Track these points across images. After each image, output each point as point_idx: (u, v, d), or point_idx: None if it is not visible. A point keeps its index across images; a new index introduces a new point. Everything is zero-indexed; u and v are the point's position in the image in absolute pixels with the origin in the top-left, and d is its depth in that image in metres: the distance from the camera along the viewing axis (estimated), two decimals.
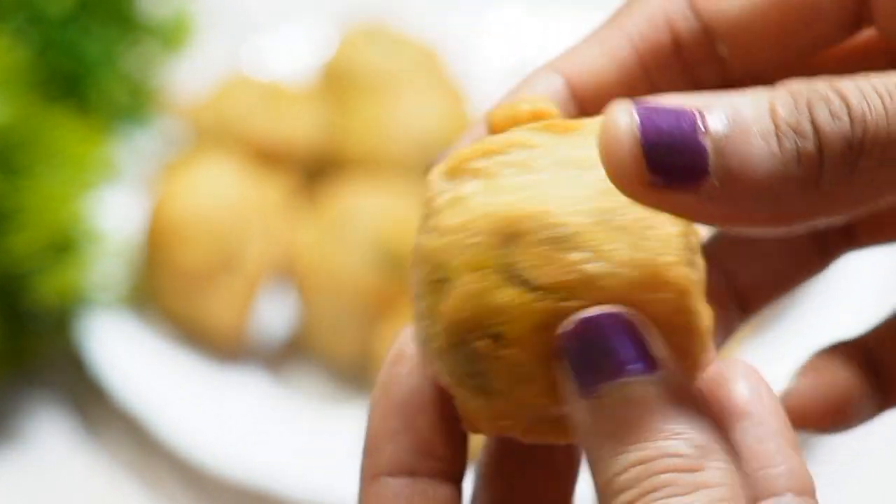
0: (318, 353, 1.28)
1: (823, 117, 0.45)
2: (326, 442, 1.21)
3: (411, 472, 0.51)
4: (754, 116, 0.46)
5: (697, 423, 0.46)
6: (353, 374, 1.26)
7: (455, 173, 0.52)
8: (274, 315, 1.30)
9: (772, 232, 0.47)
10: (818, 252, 0.60)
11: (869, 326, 0.59)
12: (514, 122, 0.52)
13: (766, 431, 0.49)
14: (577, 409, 0.47)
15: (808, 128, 0.45)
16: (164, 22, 1.43)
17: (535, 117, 0.52)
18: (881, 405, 0.59)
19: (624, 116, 0.45)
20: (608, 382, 0.46)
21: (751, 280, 0.58)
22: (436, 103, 1.36)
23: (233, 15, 1.57)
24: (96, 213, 1.28)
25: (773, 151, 0.45)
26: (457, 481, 0.52)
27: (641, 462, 0.45)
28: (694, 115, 0.46)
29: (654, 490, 0.45)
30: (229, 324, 1.26)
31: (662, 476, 0.45)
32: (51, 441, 1.24)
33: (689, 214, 0.47)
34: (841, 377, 0.59)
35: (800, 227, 0.47)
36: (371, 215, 1.25)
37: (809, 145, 0.45)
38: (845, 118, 0.45)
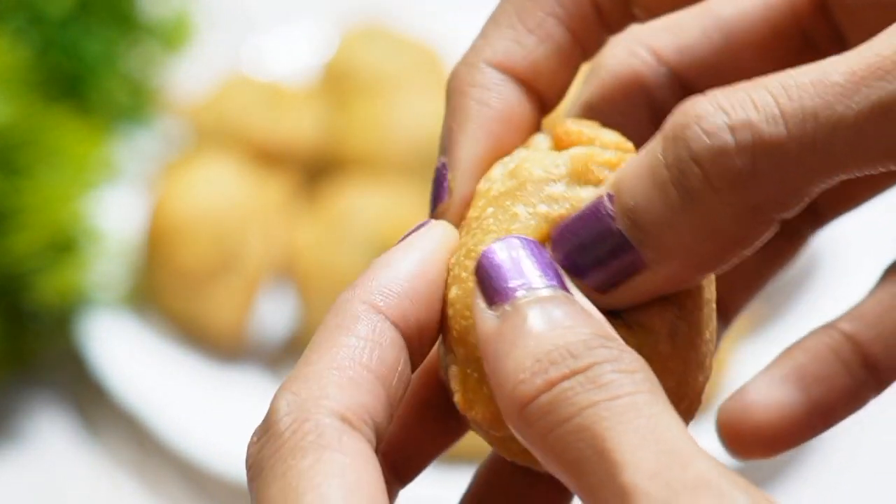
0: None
1: (697, 143, 0.45)
2: None
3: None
4: (647, 172, 0.46)
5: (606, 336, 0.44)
6: None
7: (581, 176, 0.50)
8: (274, 315, 1.30)
9: (739, 256, 0.46)
10: (786, 239, 0.58)
11: (854, 315, 0.57)
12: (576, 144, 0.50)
13: None
14: (483, 320, 0.46)
15: (687, 161, 0.45)
16: (164, 22, 1.43)
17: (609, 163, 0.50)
18: (872, 394, 0.58)
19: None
20: (512, 298, 0.45)
21: (726, 287, 0.55)
22: (436, 103, 1.36)
23: (233, 15, 1.58)
24: (97, 212, 1.28)
25: (671, 197, 0.45)
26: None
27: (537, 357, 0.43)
28: (601, 202, 0.46)
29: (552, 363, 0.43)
30: (229, 323, 1.26)
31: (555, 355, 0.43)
32: (51, 440, 1.24)
33: (657, 288, 0.46)
34: (831, 383, 0.58)
35: (757, 240, 0.46)
36: (371, 215, 1.25)
37: (695, 181, 0.45)
38: (718, 137, 0.44)
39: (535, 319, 0.44)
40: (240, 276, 1.25)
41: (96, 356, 1.23)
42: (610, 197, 0.46)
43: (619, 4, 0.53)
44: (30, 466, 1.22)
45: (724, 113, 0.44)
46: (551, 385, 0.42)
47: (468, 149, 0.51)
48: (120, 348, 1.24)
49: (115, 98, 1.37)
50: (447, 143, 0.52)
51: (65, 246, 1.23)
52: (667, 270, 0.46)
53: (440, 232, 0.51)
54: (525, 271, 0.46)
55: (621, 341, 0.44)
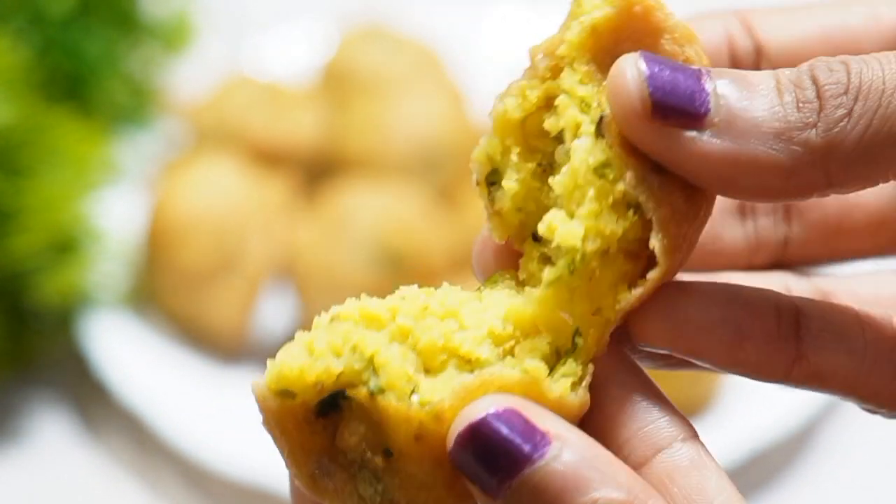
0: None
1: (821, 71, 0.50)
2: None
3: None
4: (759, 77, 0.50)
5: (612, 478, 0.48)
6: None
7: None
8: (274, 314, 1.31)
9: (770, 195, 0.49)
10: None
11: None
12: None
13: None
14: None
15: (806, 80, 0.50)
16: (164, 23, 1.43)
17: None
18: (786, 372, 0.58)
19: (631, 61, 0.50)
20: (513, 479, 0.48)
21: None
22: (436, 103, 1.36)
23: (233, 16, 1.58)
24: (98, 213, 1.28)
25: (772, 98, 0.49)
26: None
27: None
28: (701, 69, 0.50)
29: None
30: (230, 323, 1.26)
31: None
32: (52, 439, 1.24)
33: (691, 158, 0.49)
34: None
35: (798, 190, 0.49)
36: (371, 215, 1.26)
37: (808, 93, 0.49)
38: (841, 71, 0.49)
39: None
40: (240, 275, 1.26)
41: (97, 356, 1.23)
42: (709, 73, 0.50)
43: (751, 63, 0.58)
44: (30, 464, 1.22)
45: (845, 71, 0.49)
46: None
47: None
48: (120, 348, 1.24)
49: (115, 98, 1.37)
50: None
51: (66, 246, 1.23)
52: (716, 148, 0.49)
53: None
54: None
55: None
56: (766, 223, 0.59)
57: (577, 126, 0.52)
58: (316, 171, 1.37)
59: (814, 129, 0.49)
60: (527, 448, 0.48)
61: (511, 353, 0.51)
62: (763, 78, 0.50)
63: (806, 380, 0.53)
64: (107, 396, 1.24)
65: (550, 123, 0.53)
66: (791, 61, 0.55)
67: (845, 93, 0.49)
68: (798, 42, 0.57)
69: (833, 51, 0.55)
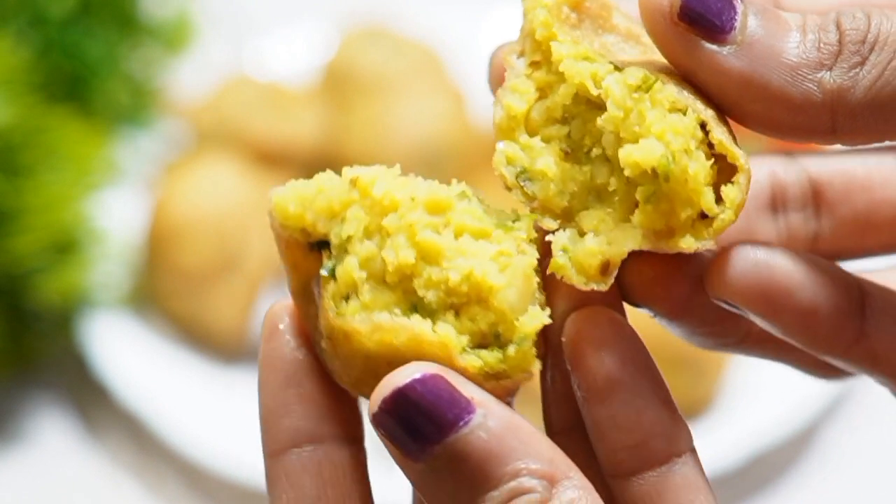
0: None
1: (846, 18, 0.51)
2: None
3: (312, 440, 0.53)
4: (788, 14, 0.51)
5: (535, 449, 0.48)
6: None
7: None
8: None
9: (774, 130, 0.51)
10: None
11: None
12: None
13: (645, 401, 0.51)
14: (413, 473, 0.49)
15: (832, 26, 0.51)
16: (165, 24, 1.43)
17: None
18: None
19: None
20: (436, 445, 0.48)
21: None
22: (436, 104, 1.36)
23: (234, 16, 1.58)
24: (98, 213, 1.28)
25: (796, 34, 0.51)
26: (358, 441, 0.54)
27: None
28: None
29: None
30: (231, 324, 1.26)
31: None
32: (52, 440, 1.24)
33: (706, 73, 0.50)
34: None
35: (803, 131, 0.50)
36: None
37: (831, 37, 0.51)
38: (864, 20, 0.51)
39: None
40: (241, 276, 1.26)
41: (98, 356, 1.23)
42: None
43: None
44: (30, 465, 1.22)
45: (867, 21, 0.51)
46: None
47: None
48: (121, 348, 1.24)
49: (116, 99, 1.37)
50: None
51: (67, 246, 1.23)
52: (733, 65, 0.50)
53: None
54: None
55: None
56: (797, 219, 0.60)
57: (595, 74, 0.53)
58: (316, 172, 1.36)
59: (829, 72, 0.50)
60: (451, 415, 0.48)
61: (456, 311, 0.52)
62: (791, 16, 0.51)
63: (862, 359, 0.54)
64: (107, 397, 1.24)
65: (565, 90, 0.53)
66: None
67: (863, 41, 0.50)
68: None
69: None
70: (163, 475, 1.21)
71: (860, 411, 1.23)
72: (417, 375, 0.49)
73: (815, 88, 0.50)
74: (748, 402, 1.20)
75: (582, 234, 0.53)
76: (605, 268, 0.52)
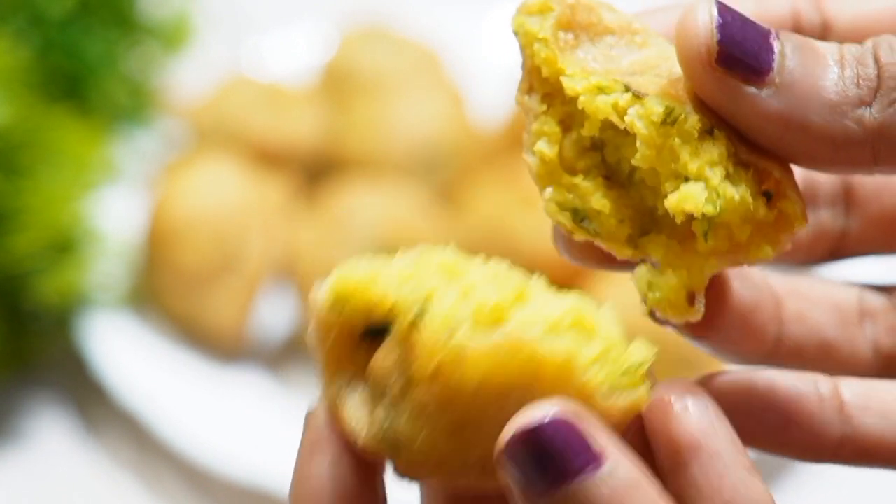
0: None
1: (884, 51, 0.50)
2: None
3: None
4: (825, 46, 0.51)
5: None
6: None
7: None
8: (274, 315, 1.30)
9: (817, 165, 0.50)
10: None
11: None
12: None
13: (724, 464, 0.50)
14: None
15: (869, 58, 0.50)
16: (164, 23, 1.43)
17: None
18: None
19: (704, 6, 0.50)
20: (557, 489, 0.48)
21: None
22: (435, 104, 1.36)
23: (233, 16, 1.58)
24: (97, 213, 1.28)
25: (834, 70, 0.50)
26: None
27: None
28: (772, 29, 0.51)
29: None
30: (230, 323, 1.26)
31: None
32: (51, 439, 1.24)
33: (745, 116, 0.50)
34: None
35: (845, 164, 0.50)
36: (370, 215, 1.26)
37: (869, 71, 0.50)
38: None
39: None
40: (240, 276, 1.26)
41: (96, 356, 1.23)
42: (777, 33, 0.51)
43: (816, 36, 0.57)
44: (29, 465, 1.22)
45: None
46: None
47: None
48: (120, 348, 1.24)
49: (115, 99, 1.37)
50: None
51: (65, 246, 1.23)
52: (773, 107, 0.49)
53: None
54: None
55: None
56: (826, 215, 0.60)
57: (616, 105, 0.52)
58: (316, 171, 1.37)
59: (869, 108, 0.49)
60: (577, 463, 0.48)
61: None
62: (828, 49, 0.51)
63: (855, 457, 0.53)
64: (106, 396, 1.24)
65: (590, 124, 0.52)
66: (858, 40, 0.56)
67: None
68: (867, 19, 0.57)
69: None
70: (162, 475, 1.21)
71: None
72: (547, 419, 0.48)
73: (856, 126, 0.49)
74: None
75: (652, 263, 0.52)
76: (691, 298, 0.52)
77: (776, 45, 0.50)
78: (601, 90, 0.52)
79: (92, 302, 1.26)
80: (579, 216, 0.53)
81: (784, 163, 0.51)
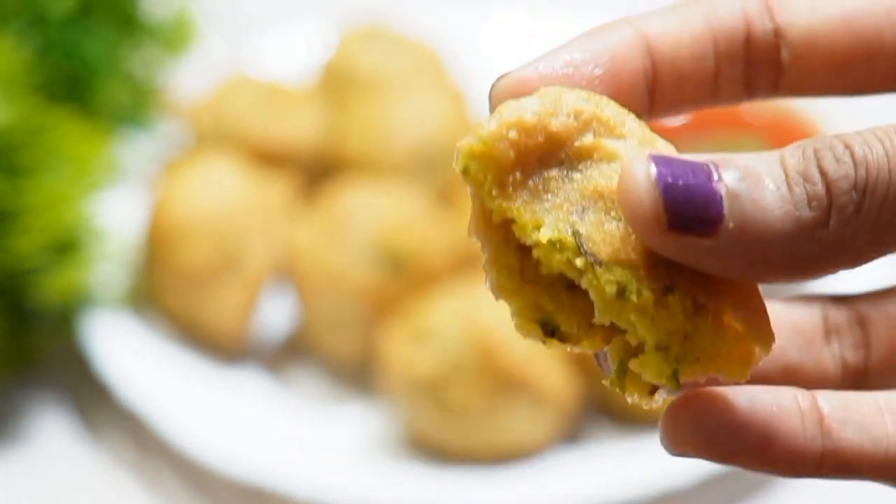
0: (318, 353, 1.28)
1: (829, 162, 0.49)
2: (326, 441, 1.22)
3: None
4: (766, 167, 0.49)
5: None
6: (353, 373, 1.27)
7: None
8: (274, 315, 1.31)
9: (786, 281, 0.50)
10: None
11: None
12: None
13: None
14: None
15: (815, 172, 0.49)
16: (165, 23, 1.43)
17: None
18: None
19: (642, 166, 0.49)
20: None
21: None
22: (436, 104, 1.36)
23: (234, 16, 1.58)
24: (99, 213, 1.28)
25: (783, 195, 0.49)
26: None
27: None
28: (709, 167, 0.49)
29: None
30: (231, 323, 1.26)
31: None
32: (53, 439, 1.24)
33: (708, 263, 0.49)
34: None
35: (811, 276, 0.49)
36: (371, 215, 1.26)
37: (818, 189, 0.49)
38: (848, 161, 0.49)
39: None
40: (241, 276, 1.26)
41: (98, 356, 1.24)
42: (716, 168, 0.50)
43: (768, 45, 0.56)
44: (31, 464, 1.22)
45: (852, 161, 0.49)
46: None
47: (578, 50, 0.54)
48: (121, 348, 1.24)
49: (116, 99, 1.37)
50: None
51: (67, 246, 1.23)
52: (734, 251, 0.49)
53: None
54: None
55: None
56: (847, 349, 0.60)
57: (571, 265, 0.50)
58: (316, 172, 1.37)
59: (826, 228, 0.49)
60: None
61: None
62: (770, 167, 0.49)
63: (837, 471, 0.53)
64: (107, 396, 1.24)
65: (547, 267, 0.51)
66: (811, 48, 0.56)
67: (854, 188, 0.49)
68: (819, 27, 0.57)
69: (854, 39, 0.56)
70: (162, 474, 1.21)
71: None
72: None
73: (817, 248, 0.49)
74: None
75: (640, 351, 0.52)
76: (653, 390, 0.52)
77: (720, 187, 0.49)
78: (551, 248, 0.50)
79: (93, 301, 1.26)
80: (549, 328, 0.52)
81: (748, 286, 0.51)
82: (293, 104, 1.39)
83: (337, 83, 1.42)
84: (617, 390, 0.52)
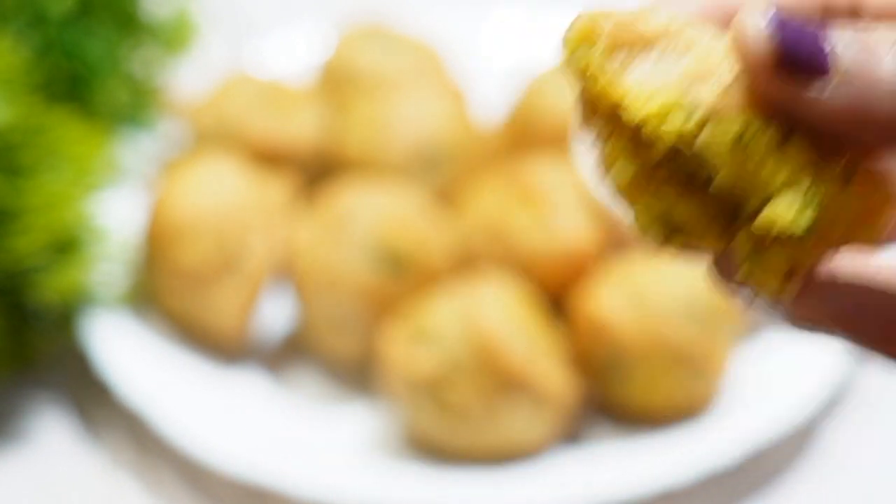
0: (318, 353, 1.28)
1: None
2: (326, 441, 1.22)
3: None
4: (875, 36, 0.51)
5: None
6: (353, 373, 1.27)
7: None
8: (274, 315, 1.31)
9: (887, 138, 0.51)
10: None
11: None
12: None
13: None
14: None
15: None
16: (165, 23, 1.43)
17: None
18: None
19: (757, 15, 0.51)
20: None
21: None
22: (436, 103, 1.36)
23: (233, 15, 1.58)
24: (98, 212, 1.28)
25: (892, 57, 0.50)
26: None
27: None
28: (819, 26, 0.52)
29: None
30: (231, 323, 1.26)
31: None
32: (52, 440, 1.24)
33: (812, 110, 0.50)
34: None
35: None
36: (371, 215, 1.26)
37: None
38: None
39: None
40: (241, 276, 1.26)
41: (98, 355, 1.24)
42: (826, 30, 0.52)
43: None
44: (30, 465, 1.22)
45: None
46: None
47: None
48: (121, 348, 1.24)
49: (116, 99, 1.37)
50: None
51: (67, 246, 1.23)
52: (837, 104, 0.50)
53: None
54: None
55: None
56: None
57: (682, 131, 0.51)
58: (316, 171, 1.37)
59: None
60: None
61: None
62: (880, 37, 0.51)
63: None
64: (107, 396, 1.25)
65: (658, 148, 0.52)
66: (892, 15, 0.57)
67: None
68: None
69: None
70: (162, 474, 1.21)
71: (862, 409, 1.23)
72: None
73: None
74: (747, 401, 1.20)
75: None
76: (788, 276, 0.52)
77: (828, 43, 0.51)
78: (663, 116, 0.51)
79: (93, 301, 1.26)
80: (669, 227, 0.53)
81: (862, 149, 0.52)
82: (293, 104, 1.39)
83: (337, 83, 1.42)
84: (749, 286, 0.52)
